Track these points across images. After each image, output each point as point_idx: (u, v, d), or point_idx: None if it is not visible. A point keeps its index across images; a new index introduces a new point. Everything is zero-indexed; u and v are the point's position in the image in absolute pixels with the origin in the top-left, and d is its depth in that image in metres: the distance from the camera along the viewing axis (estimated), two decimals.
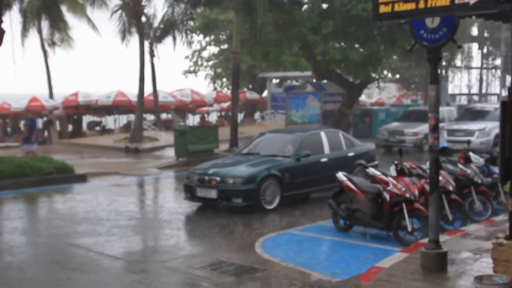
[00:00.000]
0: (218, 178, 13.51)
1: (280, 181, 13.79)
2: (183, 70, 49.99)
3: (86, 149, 27.97)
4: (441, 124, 26.91)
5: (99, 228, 12.12)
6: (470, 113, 25.88)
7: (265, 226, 12.26)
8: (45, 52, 36.31)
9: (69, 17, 35.13)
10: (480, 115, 25.17)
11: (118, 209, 14.14)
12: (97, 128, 39.98)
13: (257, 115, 46.64)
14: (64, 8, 34.25)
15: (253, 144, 15.94)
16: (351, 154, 15.79)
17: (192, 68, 49.50)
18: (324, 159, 15.03)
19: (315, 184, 14.59)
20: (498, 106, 24.00)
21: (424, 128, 24.90)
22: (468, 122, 24.36)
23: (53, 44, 36.33)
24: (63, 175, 18.20)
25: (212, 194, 13.48)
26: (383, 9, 7.45)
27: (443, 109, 27.28)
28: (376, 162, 16.27)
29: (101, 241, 11.09)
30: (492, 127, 22.87)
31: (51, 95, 36.74)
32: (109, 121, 41.77)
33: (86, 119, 42.02)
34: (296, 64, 31.48)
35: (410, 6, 7.19)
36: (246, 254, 10.03)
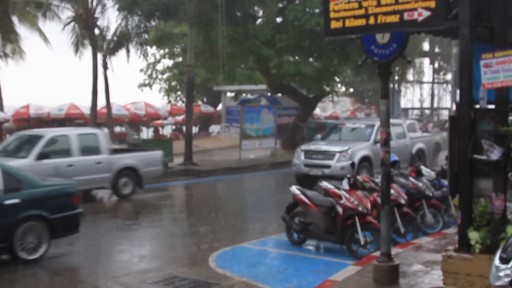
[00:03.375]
0: None
1: None
2: (138, 83, 49.65)
3: None
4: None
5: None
6: (336, 131, 22.12)
7: (218, 240, 12.20)
8: None
9: (21, 29, 34.54)
10: (347, 133, 21.51)
11: None
12: None
13: (212, 128, 46.55)
14: (15, 19, 33.65)
15: None
16: (12, 201, 10.06)
17: (147, 81, 49.20)
18: None
19: None
20: (370, 123, 21.80)
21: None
22: (330, 142, 20.66)
23: (5, 55, 35.66)
24: None
25: None
26: (334, 24, 7.53)
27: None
28: (78, 211, 11.10)
29: (51, 256, 10.86)
30: (358, 148, 19.48)
31: (1, 108, 36.00)
32: None
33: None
34: (250, 77, 31.58)
35: (361, 22, 7.28)
36: (199, 268, 9.96)
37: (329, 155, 18.97)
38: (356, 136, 20.72)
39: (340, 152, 18.88)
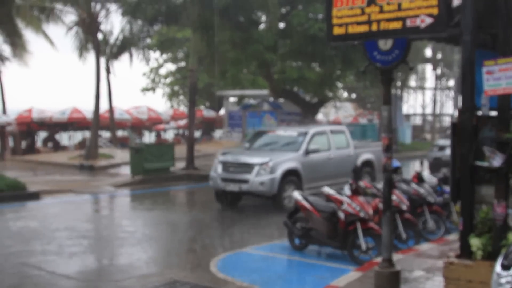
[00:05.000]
0: None
1: None
2: (141, 87, 49.76)
3: (39, 166, 27.51)
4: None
5: (52, 247, 11.89)
6: (265, 139, 18.72)
7: (220, 245, 12.21)
8: None
9: (25, 32, 34.58)
10: (276, 142, 18.22)
11: (71, 227, 13.91)
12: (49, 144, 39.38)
13: (214, 133, 46.60)
14: (20, 23, 33.71)
15: None
16: None
17: (150, 86, 49.31)
18: None
19: None
20: (303, 130, 18.21)
21: None
22: (254, 152, 17.62)
23: (7, 59, 35.70)
24: (15, 193, 17.84)
25: None
26: (337, 30, 7.54)
27: None
28: None
29: (53, 260, 10.88)
30: (283, 160, 16.56)
31: (4, 111, 36.07)
32: (64, 138, 41.21)
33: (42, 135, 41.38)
34: (254, 82, 31.63)
35: (363, 28, 7.30)
36: (200, 273, 9.97)
37: (248, 167, 16.22)
38: (285, 145, 17.77)
39: (260, 164, 16.11)
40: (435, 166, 22.62)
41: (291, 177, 16.45)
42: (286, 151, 17.18)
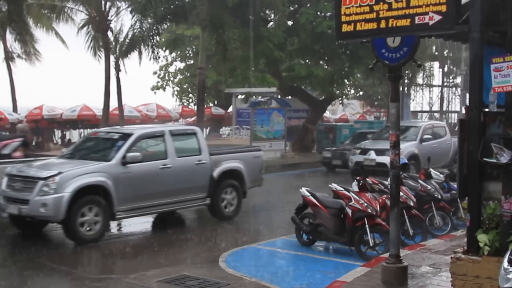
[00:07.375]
0: None
1: None
2: (151, 85, 49.81)
3: None
4: None
5: (60, 242, 12.00)
6: (86, 144, 14.59)
7: (228, 241, 12.28)
8: (9, 65, 35.82)
9: (36, 31, 34.75)
10: (95, 147, 13.90)
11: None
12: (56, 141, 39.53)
13: (222, 130, 46.64)
14: (30, 21, 33.85)
15: None
16: None
17: (160, 84, 49.37)
18: None
19: None
20: (127, 131, 13.54)
21: None
22: (53, 161, 13.53)
23: (19, 57, 35.87)
24: None
25: None
26: (345, 28, 7.59)
27: None
28: None
29: (61, 255, 10.98)
30: (78, 173, 11.92)
31: (15, 109, 36.23)
32: (74, 135, 41.35)
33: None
34: (263, 80, 31.72)
35: (372, 25, 7.33)
36: (209, 268, 10.03)
37: (31, 183, 11.76)
38: (98, 152, 13.45)
39: (44, 179, 11.64)
40: (356, 173, 17.92)
41: (93, 196, 11.98)
42: (93, 160, 12.72)
